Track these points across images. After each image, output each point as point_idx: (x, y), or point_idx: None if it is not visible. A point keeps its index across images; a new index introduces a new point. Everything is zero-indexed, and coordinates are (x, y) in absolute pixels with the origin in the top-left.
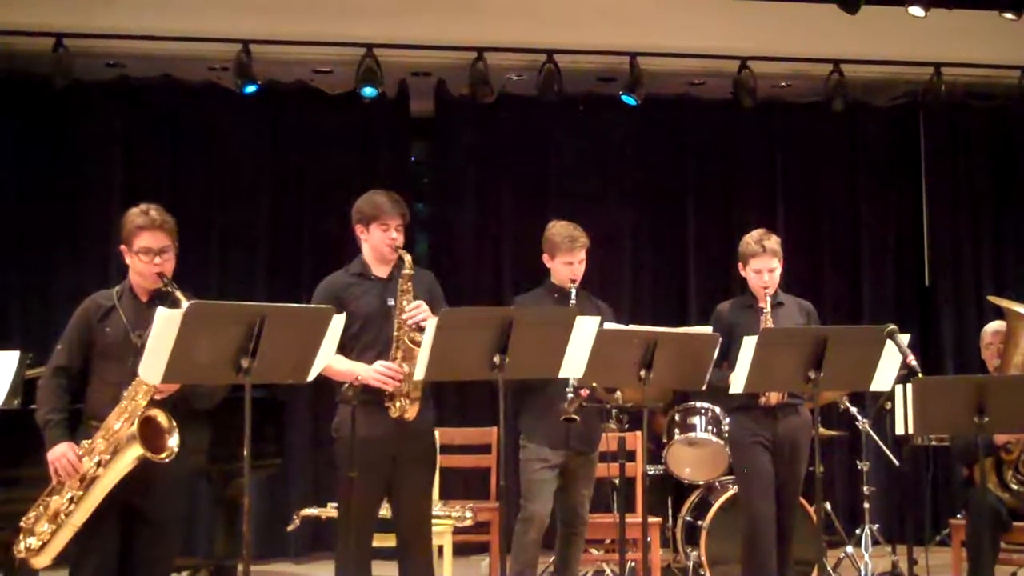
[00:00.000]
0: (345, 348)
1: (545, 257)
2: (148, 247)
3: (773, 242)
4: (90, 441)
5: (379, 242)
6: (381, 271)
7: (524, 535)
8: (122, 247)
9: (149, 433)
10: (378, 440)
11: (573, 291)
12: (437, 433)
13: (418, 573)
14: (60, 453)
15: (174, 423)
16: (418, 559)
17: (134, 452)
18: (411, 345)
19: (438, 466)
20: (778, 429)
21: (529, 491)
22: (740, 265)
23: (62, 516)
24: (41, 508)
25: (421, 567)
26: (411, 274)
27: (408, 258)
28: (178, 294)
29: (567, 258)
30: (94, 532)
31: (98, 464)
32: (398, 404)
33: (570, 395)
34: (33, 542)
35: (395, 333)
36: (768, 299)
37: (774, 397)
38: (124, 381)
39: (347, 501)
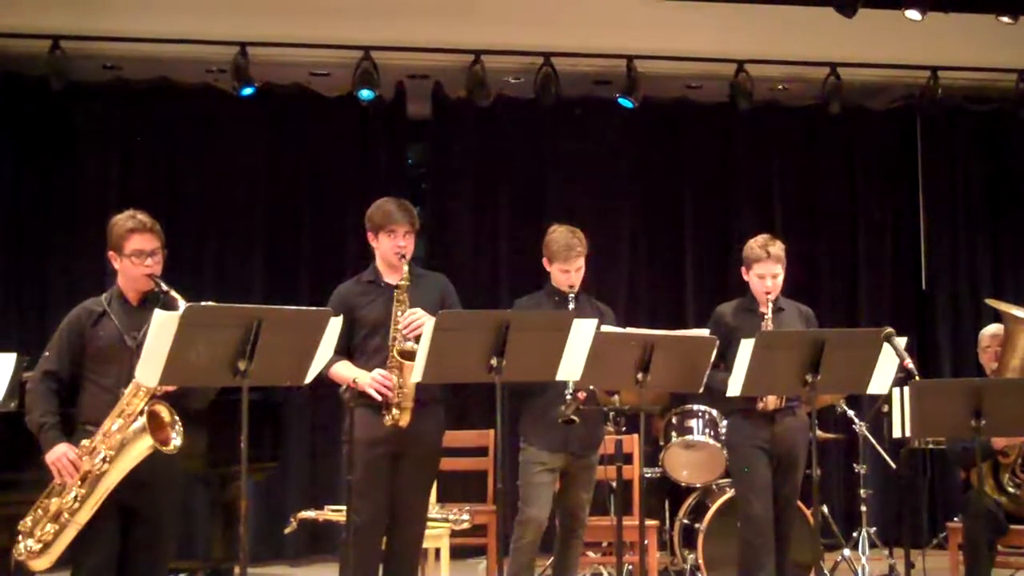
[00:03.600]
0: (354, 354)
1: (544, 261)
2: (140, 249)
3: (777, 248)
4: (89, 441)
5: (387, 249)
6: (392, 278)
7: (521, 538)
8: (110, 253)
9: (154, 427)
10: (382, 440)
11: (571, 296)
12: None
13: (400, 569)
14: (60, 453)
15: (176, 416)
16: (404, 559)
17: (143, 444)
18: (399, 359)
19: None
20: (776, 432)
21: (527, 494)
22: (743, 269)
23: (66, 515)
24: (40, 511)
25: (404, 563)
26: (407, 285)
27: (405, 270)
28: (173, 293)
29: (563, 266)
30: (95, 531)
31: (104, 460)
32: (393, 413)
33: (568, 397)
34: (32, 544)
35: (389, 344)
36: (770, 304)
37: (772, 402)
38: (121, 384)
39: (352, 504)
